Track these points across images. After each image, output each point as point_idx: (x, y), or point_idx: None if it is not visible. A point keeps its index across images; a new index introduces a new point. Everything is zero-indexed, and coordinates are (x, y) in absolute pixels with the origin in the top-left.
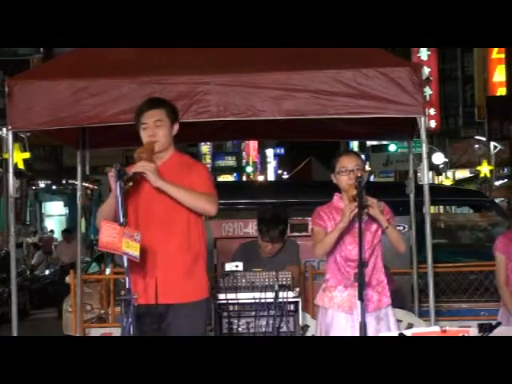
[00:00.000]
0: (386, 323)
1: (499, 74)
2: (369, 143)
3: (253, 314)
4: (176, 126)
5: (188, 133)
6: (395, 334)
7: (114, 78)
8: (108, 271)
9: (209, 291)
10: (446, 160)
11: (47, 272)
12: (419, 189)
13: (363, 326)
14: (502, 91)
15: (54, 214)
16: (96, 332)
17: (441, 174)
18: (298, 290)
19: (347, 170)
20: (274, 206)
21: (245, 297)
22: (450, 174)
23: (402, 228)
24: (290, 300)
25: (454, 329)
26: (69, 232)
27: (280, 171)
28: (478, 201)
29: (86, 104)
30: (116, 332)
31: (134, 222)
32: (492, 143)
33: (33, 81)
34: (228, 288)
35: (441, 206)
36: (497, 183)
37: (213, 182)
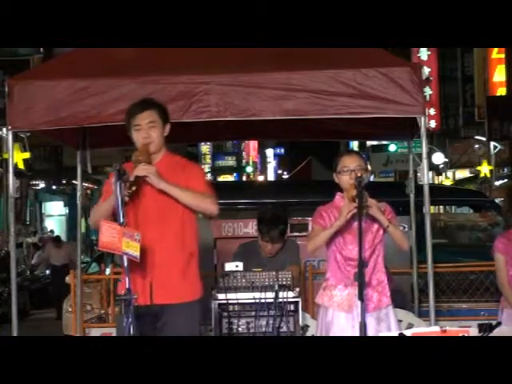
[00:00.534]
0: (387, 324)
1: (499, 74)
2: (369, 143)
3: (253, 314)
4: (167, 127)
5: (188, 133)
6: (395, 333)
7: (113, 77)
8: (108, 271)
9: (202, 291)
10: (446, 160)
11: (47, 272)
12: (419, 189)
13: (363, 325)
14: (502, 91)
15: (54, 214)
16: (96, 332)
17: (441, 174)
18: (298, 289)
19: (348, 170)
20: (274, 206)
21: (245, 297)
22: (450, 174)
23: (402, 228)
24: (289, 300)
25: (454, 329)
26: (57, 241)
27: (280, 171)
28: (478, 201)
29: (85, 104)
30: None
31: (130, 222)
32: (492, 143)
33: (33, 81)
34: (228, 288)
35: (441, 206)
36: (497, 183)
37: (208, 181)
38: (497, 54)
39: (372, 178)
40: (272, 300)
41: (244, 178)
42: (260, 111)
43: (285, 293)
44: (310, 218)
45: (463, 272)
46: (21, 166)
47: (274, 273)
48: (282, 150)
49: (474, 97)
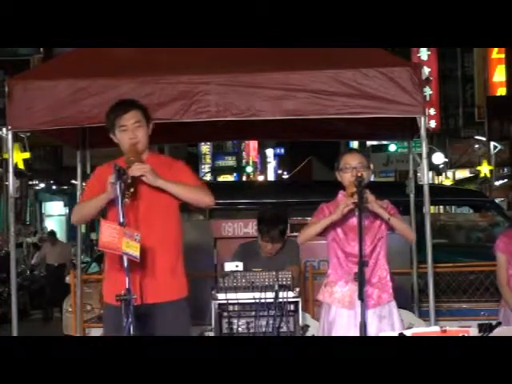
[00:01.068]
0: (390, 321)
1: (499, 74)
2: (369, 143)
3: (253, 313)
4: (151, 126)
5: (188, 133)
6: (395, 334)
7: (113, 77)
8: None
9: (188, 288)
10: (446, 160)
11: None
12: (419, 189)
13: (363, 326)
14: (502, 91)
15: (54, 214)
16: (96, 332)
17: (441, 174)
18: (297, 289)
19: (350, 167)
20: (274, 206)
21: (245, 297)
22: (450, 174)
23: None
24: (289, 300)
25: (454, 329)
26: (53, 235)
27: (280, 171)
28: (478, 201)
29: (85, 104)
30: None
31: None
32: (492, 143)
33: (33, 81)
34: (228, 288)
35: (441, 206)
36: (497, 183)
37: (197, 175)
38: (497, 54)
39: (372, 178)
40: (272, 300)
41: (244, 178)
42: (260, 111)
43: (285, 293)
44: (310, 218)
45: (463, 272)
46: (21, 165)
47: (273, 273)
48: (282, 150)
49: (473, 97)
